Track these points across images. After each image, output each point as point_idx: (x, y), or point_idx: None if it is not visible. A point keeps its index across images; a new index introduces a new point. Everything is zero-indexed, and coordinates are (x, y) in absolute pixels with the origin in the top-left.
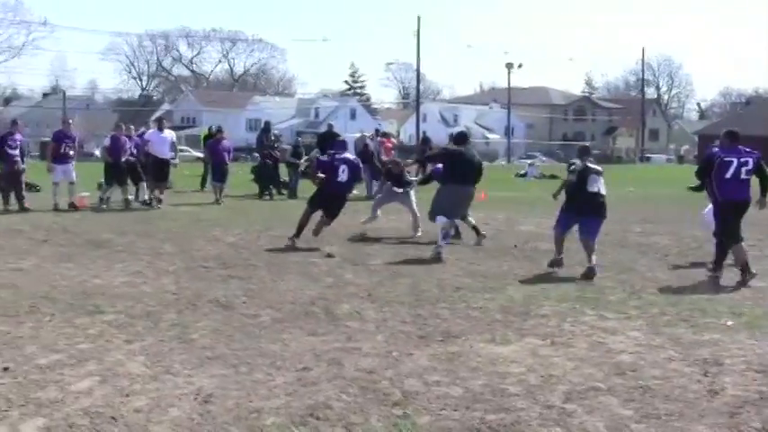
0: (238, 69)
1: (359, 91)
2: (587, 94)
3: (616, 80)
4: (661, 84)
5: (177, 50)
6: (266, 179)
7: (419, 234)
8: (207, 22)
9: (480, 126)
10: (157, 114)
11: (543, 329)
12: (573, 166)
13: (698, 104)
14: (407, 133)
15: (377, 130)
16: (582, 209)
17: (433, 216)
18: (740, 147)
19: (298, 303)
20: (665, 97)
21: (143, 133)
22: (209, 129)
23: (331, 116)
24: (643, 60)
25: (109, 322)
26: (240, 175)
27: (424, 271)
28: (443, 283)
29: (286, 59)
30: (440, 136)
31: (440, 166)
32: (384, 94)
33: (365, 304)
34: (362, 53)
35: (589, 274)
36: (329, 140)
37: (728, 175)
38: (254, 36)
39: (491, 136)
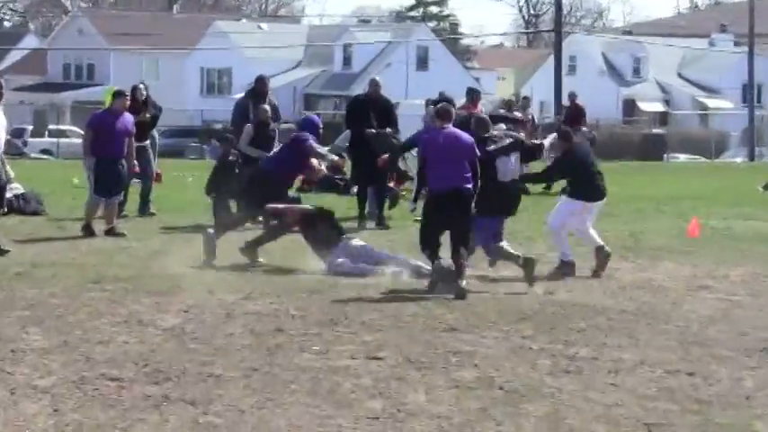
0: None
1: (435, 10)
2: None
3: None
4: None
5: None
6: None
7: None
8: None
9: (690, 82)
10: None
11: None
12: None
13: None
14: (538, 97)
15: (441, 95)
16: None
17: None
18: None
19: None
20: None
21: None
22: (134, 89)
23: (376, 61)
24: None
25: None
26: (190, 183)
27: (566, 393)
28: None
29: None
30: (604, 103)
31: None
32: (488, 18)
33: None
34: None
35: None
36: (366, 114)
37: None
38: None
39: (714, 102)
